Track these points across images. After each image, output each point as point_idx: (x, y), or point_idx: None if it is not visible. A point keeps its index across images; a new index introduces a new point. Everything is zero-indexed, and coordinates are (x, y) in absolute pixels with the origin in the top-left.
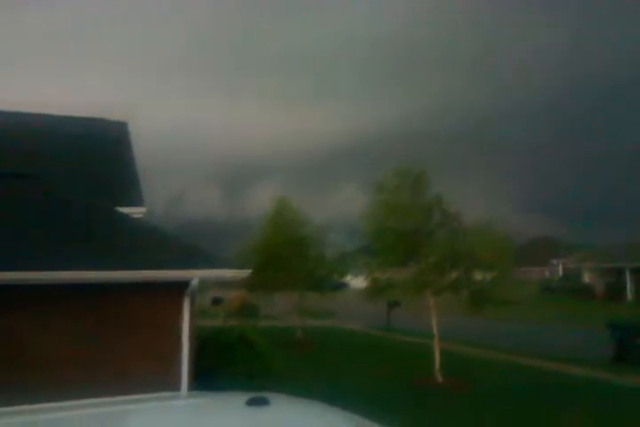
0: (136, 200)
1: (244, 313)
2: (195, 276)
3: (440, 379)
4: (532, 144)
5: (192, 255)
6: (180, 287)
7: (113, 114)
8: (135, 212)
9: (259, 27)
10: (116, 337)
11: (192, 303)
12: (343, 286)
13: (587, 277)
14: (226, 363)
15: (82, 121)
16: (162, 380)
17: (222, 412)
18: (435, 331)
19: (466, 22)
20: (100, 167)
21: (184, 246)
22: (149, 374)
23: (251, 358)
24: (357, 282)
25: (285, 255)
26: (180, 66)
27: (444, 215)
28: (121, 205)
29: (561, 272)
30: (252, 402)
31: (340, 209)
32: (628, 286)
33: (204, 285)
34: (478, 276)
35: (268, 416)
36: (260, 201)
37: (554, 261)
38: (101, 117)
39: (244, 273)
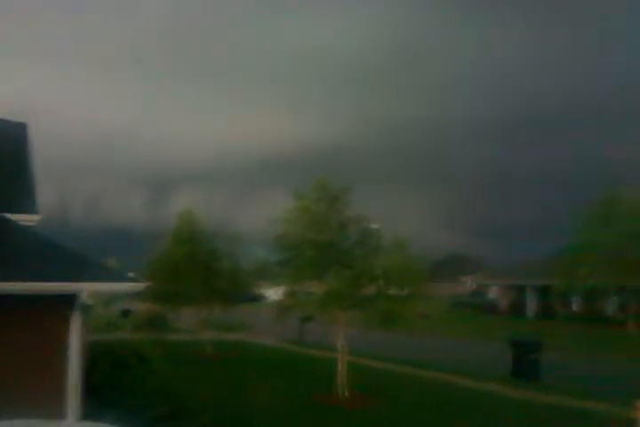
0: (29, 207)
1: (152, 326)
2: (83, 289)
3: (343, 394)
4: (465, 161)
5: (82, 267)
6: (69, 300)
7: (25, 115)
8: (27, 219)
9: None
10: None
11: (83, 317)
12: (259, 298)
13: (493, 294)
14: (120, 380)
15: None
16: (47, 398)
17: None
18: (339, 346)
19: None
20: None
21: (75, 258)
22: (33, 393)
23: (146, 376)
24: (274, 294)
25: (187, 269)
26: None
27: (363, 233)
28: (11, 212)
29: (471, 288)
30: None
31: (266, 220)
32: (529, 302)
33: (113, 297)
34: (391, 292)
35: None
36: (175, 210)
37: (464, 278)
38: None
39: (138, 287)
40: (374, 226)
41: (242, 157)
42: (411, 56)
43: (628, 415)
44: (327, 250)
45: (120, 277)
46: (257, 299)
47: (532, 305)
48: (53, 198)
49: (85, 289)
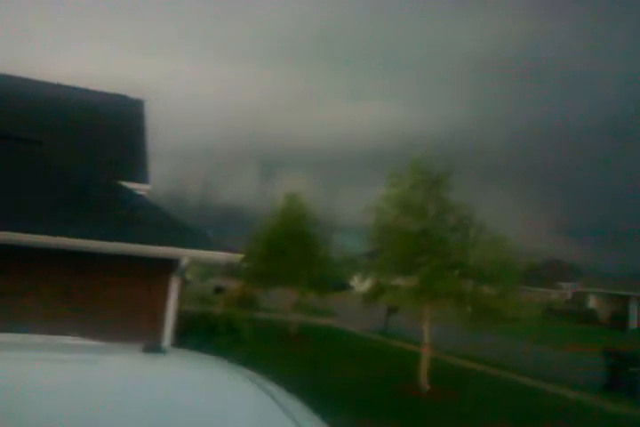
0: (141, 177)
1: (243, 303)
2: (184, 255)
3: (425, 387)
4: (570, 164)
5: (185, 236)
6: (171, 266)
7: (144, 92)
8: (138, 188)
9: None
10: (101, 305)
11: (180, 283)
12: (347, 287)
13: (592, 303)
14: (208, 345)
15: (100, 95)
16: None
17: (114, 356)
18: (425, 340)
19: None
20: (109, 141)
21: (179, 226)
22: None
23: (233, 344)
24: (362, 285)
25: (289, 251)
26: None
27: (462, 221)
28: (125, 180)
29: (569, 296)
30: (148, 349)
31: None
32: (631, 314)
33: (208, 272)
34: (485, 290)
35: (161, 363)
36: (280, 191)
37: (562, 285)
38: (120, 93)
39: (236, 258)
40: (474, 216)
41: (360, 145)
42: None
43: None
44: (420, 239)
45: (220, 247)
46: (345, 287)
47: (635, 317)
48: (167, 172)
49: (187, 255)
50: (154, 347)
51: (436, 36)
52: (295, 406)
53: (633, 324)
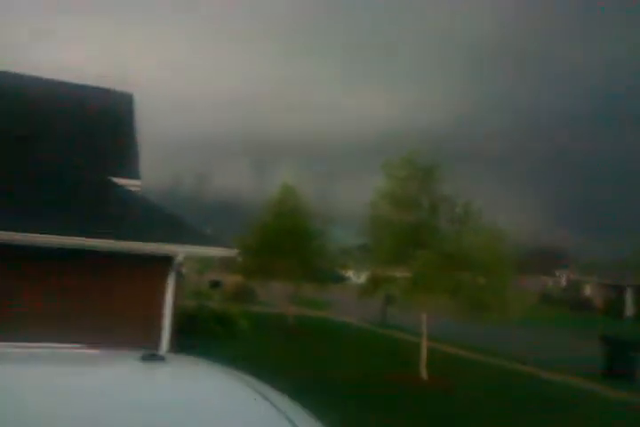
0: (132, 172)
1: (239, 297)
2: (179, 251)
3: (423, 375)
4: (560, 152)
5: (180, 231)
6: (166, 262)
7: (133, 84)
8: (130, 184)
9: None
10: (98, 303)
11: (177, 279)
12: (344, 279)
13: (588, 291)
14: (205, 338)
15: (88, 89)
16: (144, 342)
17: (113, 365)
18: (423, 330)
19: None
20: (99, 137)
21: (173, 222)
22: (125, 342)
23: (229, 337)
24: (358, 277)
25: (284, 243)
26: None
27: (456, 212)
28: (116, 176)
29: (564, 284)
30: (147, 358)
31: (357, 201)
32: (628, 302)
33: (203, 267)
34: (481, 281)
35: (160, 372)
36: (274, 183)
37: (557, 273)
38: (108, 88)
39: (231, 253)
40: (472, 204)
41: (356, 134)
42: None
43: None
44: (415, 232)
45: (215, 243)
46: (341, 280)
47: (631, 305)
48: (159, 167)
49: (181, 251)
50: (152, 355)
51: (432, 22)
52: (296, 412)
53: (629, 312)
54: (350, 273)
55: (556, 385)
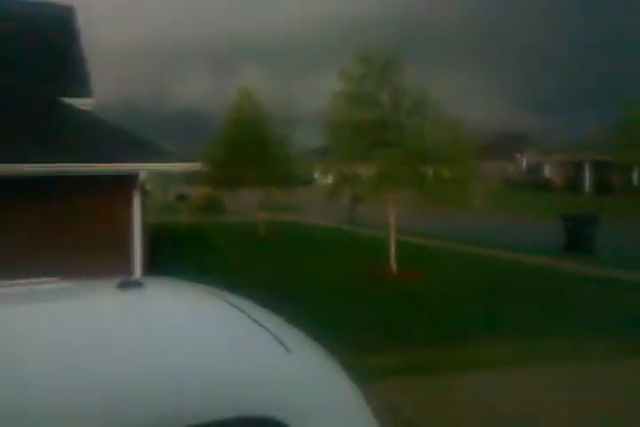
0: (83, 91)
1: (208, 209)
2: (141, 169)
3: (394, 269)
4: (519, 37)
5: (140, 149)
6: (130, 181)
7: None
8: (82, 103)
9: None
10: (65, 228)
11: (142, 199)
12: (311, 181)
13: (548, 171)
14: (180, 256)
15: (27, 5)
16: (111, 271)
17: (91, 297)
18: (390, 224)
19: None
20: (44, 55)
21: (132, 140)
22: (97, 265)
23: (204, 252)
24: (325, 178)
25: (248, 150)
26: None
27: (417, 106)
28: (66, 96)
29: (524, 167)
30: (123, 285)
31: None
32: (587, 179)
33: (167, 181)
34: (444, 172)
35: (140, 299)
36: (233, 88)
37: (517, 155)
38: (47, 1)
39: (194, 167)
40: (432, 97)
41: (311, 32)
42: None
43: None
44: (376, 129)
45: (177, 158)
46: (309, 182)
47: (588, 181)
48: (111, 83)
49: (143, 169)
50: (129, 282)
51: None
52: (281, 327)
53: (587, 188)
54: (317, 175)
55: (523, 264)
